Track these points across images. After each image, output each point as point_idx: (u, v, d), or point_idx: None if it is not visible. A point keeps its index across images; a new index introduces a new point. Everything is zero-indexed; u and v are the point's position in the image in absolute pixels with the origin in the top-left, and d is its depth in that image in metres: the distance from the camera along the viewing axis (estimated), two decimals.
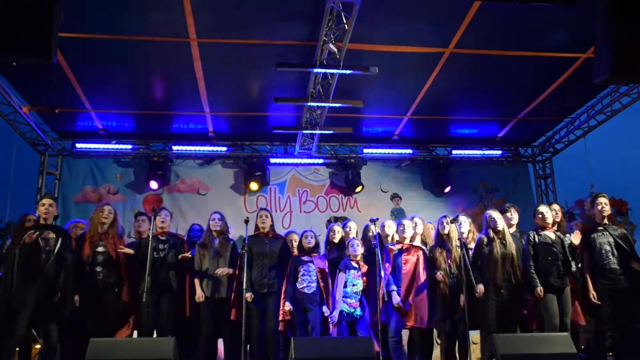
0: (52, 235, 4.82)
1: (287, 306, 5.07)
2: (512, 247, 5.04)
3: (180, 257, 5.26)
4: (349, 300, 5.19)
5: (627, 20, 3.46)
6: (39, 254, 4.72)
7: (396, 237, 5.59)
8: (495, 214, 5.19)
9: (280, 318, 5.11)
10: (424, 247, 5.45)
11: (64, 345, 5.08)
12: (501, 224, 5.10)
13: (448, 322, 5.09)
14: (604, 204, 5.24)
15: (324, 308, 5.13)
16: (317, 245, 5.45)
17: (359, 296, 5.24)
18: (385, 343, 5.10)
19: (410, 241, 5.47)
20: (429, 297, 5.16)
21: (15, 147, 7.97)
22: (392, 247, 5.47)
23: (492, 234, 5.10)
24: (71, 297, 4.89)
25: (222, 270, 5.23)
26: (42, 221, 4.94)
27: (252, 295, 5.12)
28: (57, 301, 4.74)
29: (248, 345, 5.22)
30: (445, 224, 5.29)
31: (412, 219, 5.65)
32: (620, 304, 4.95)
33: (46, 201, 4.99)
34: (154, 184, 8.40)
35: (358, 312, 5.18)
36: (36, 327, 4.98)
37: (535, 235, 5.14)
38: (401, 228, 5.47)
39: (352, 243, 5.38)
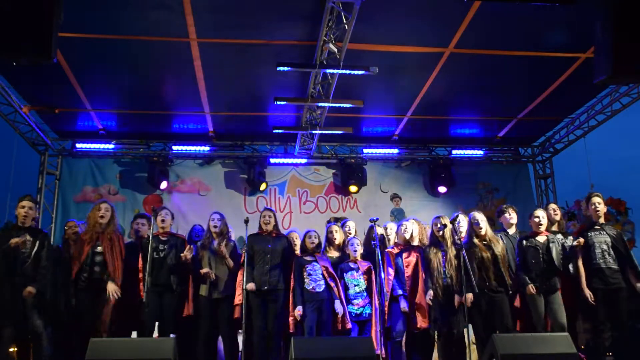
0: (28, 238, 4.80)
1: (298, 310, 5.03)
2: (498, 248, 5.03)
3: (181, 256, 5.23)
4: (354, 301, 5.18)
5: (627, 20, 3.46)
6: (17, 257, 4.71)
7: (395, 239, 5.59)
8: (478, 215, 5.19)
9: (292, 320, 5.08)
10: (421, 247, 5.44)
11: (62, 345, 5.08)
12: (484, 226, 5.10)
13: (443, 323, 5.07)
14: (597, 203, 5.26)
15: (337, 304, 5.08)
16: (319, 245, 5.45)
17: (365, 294, 5.21)
18: (386, 343, 5.10)
19: (408, 242, 5.46)
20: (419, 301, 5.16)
21: (15, 147, 7.98)
22: (392, 249, 5.46)
23: (473, 236, 5.11)
24: (52, 297, 4.89)
25: (208, 272, 5.23)
26: (19, 223, 4.89)
27: (254, 285, 5.09)
28: (26, 295, 4.70)
29: (248, 345, 5.22)
30: (439, 224, 5.26)
31: (407, 221, 5.63)
32: (617, 304, 4.96)
33: (26, 203, 4.90)
34: (164, 184, 8.39)
35: (367, 310, 5.15)
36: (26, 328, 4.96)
37: (524, 241, 5.19)
38: (402, 228, 5.47)
39: (352, 242, 5.37)
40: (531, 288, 4.95)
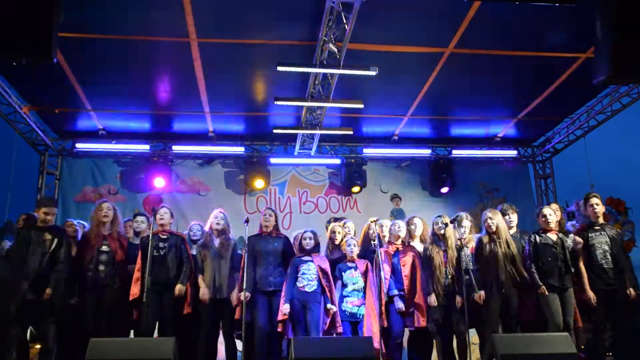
0: (48, 237, 4.83)
1: (286, 308, 5.03)
2: (512, 247, 5.03)
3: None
4: (350, 299, 5.17)
5: (626, 20, 3.46)
6: (35, 255, 4.73)
7: (390, 238, 5.59)
8: (491, 213, 5.17)
9: (279, 318, 5.08)
10: (417, 248, 5.42)
11: (64, 345, 5.08)
12: (495, 224, 5.09)
13: (444, 322, 5.07)
14: (595, 204, 5.24)
15: (329, 305, 5.07)
16: (317, 245, 5.43)
17: (361, 293, 5.21)
18: (387, 344, 5.09)
19: (405, 242, 5.45)
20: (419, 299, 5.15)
21: (15, 147, 7.97)
22: (387, 249, 5.44)
23: (486, 234, 5.10)
24: (61, 297, 4.89)
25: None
26: (40, 223, 4.93)
27: (249, 295, 5.10)
28: (48, 299, 4.74)
29: (248, 345, 5.21)
30: (440, 223, 5.25)
31: (411, 218, 5.63)
32: (617, 304, 4.96)
33: (49, 210, 4.96)
34: (160, 182, 8.37)
35: (362, 311, 5.14)
36: (33, 327, 4.97)
37: (537, 236, 5.13)
38: (395, 227, 5.45)
39: (349, 243, 5.37)
40: (543, 289, 4.90)
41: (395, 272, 5.30)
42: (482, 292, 4.90)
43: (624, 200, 8.46)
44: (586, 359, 5.19)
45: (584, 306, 5.08)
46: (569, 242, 5.10)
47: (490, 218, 5.11)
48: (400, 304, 5.15)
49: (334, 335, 5.04)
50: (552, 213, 5.21)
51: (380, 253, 5.03)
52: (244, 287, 4.97)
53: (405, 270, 5.27)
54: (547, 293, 4.88)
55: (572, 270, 5.00)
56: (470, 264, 5.02)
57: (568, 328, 4.79)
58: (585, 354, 5.25)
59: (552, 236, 5.11)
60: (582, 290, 5.02)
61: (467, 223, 5.30)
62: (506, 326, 5.01)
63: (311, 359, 3.98)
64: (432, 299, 5.03)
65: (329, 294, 5.12)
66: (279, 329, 5.06)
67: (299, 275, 5.18)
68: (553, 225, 5.14)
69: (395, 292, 5.20)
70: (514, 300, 4.96)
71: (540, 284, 4.92)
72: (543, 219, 5.18)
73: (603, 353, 5.02)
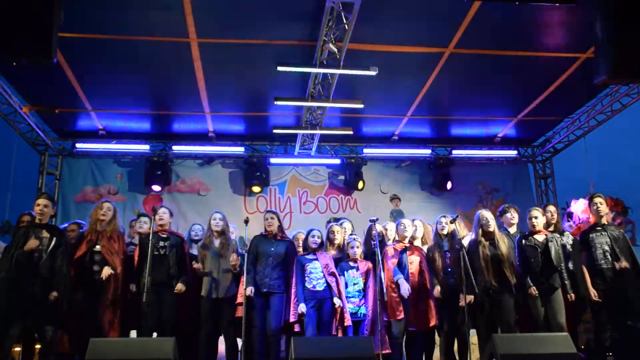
0: (45, 234, 4.82)
1: (302, 308, 5.00)
2: (503, 248, 5.03)
3: (194, 266, 5.21)
4: (352, 299, 5.18)
5: (627, 20, 3.47)
6: (32, 253, 4.72)
7: (396, 237, 5.59)
8: (487, 214, 5.17)
9: (292, 319, 5.05)
10: (423, 249, 5.43)
11: (63, 344, 5.08)
12: (492, 225, 5.09)
13: (447, 322, 5.08)
14: (599, 204, 5.25)
15: (335, 299, 5.06)
16: (322, 244, 5.44)
17: (362, 294, 5.22)
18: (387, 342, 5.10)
19: (410, 241, 5.46)
20: (429, 299, 5.16)
21: (15, 147, 7.98)
22: (394, 245, 5.45)
23: (481, 235, 5.10)
24: (66, 297, 4.88)
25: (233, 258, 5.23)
26: (37, 220, 4.93)
27: (253, 289, 5.10)
28: (52, 301, 4.73)
29: (248, 345, 5.21)
30: (444, 223, 5.27)
31: (412, 221, 5.63)
32: (618, 305, 4.95)
33: (42, 201, 4.92)
34: (156, 187, 8.43)
35: (363, 310, 5.16)
36: (32, 327, 4.96)
37: (523, 239, 5.18)
38: (401, 227, 5.45)
39: (353, 244, 5.37)
40: (533, 290, 4.92)
41: (401, 266, 5.26)
42: (471, 296, 4.89)
43: (621, 200, 8.47)
44: (586, 359, 5.19)
45: (581, 306, 5.08)
46: (564, 240, 5.09)
47: (488, 219, 5.12)
48: (406, 285, 5.09)
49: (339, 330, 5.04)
50: (540, 215, 5.22)
51: (378, 253, 5.02)
52: (244, 285, 4.98)
53: (412, 268, 5.26)
54: (535, 294, 4.90)
55: (560, 269, 5.01)
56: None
57: (562, 329, 4.78)
58: (585, 354, 5.25)
59: (539, 237, 5.13)
60: (583, 289, 5.02)
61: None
62: (503, 327, 4.99)
63: (311, 359, 3.98)
64: (437, 290, 5.05)
65: (335, 289, 5.12)
66: (297, 329, 5.05)
67: (306, 275, 5.18)
68: (539, 227, 5.15)
69: (400, 276, 5.17)
70: (507, 303, 4.95)
71: (531, 284, 4.94)
72: (530, 220, 5.22)
73: (603, 353, 5.03)
